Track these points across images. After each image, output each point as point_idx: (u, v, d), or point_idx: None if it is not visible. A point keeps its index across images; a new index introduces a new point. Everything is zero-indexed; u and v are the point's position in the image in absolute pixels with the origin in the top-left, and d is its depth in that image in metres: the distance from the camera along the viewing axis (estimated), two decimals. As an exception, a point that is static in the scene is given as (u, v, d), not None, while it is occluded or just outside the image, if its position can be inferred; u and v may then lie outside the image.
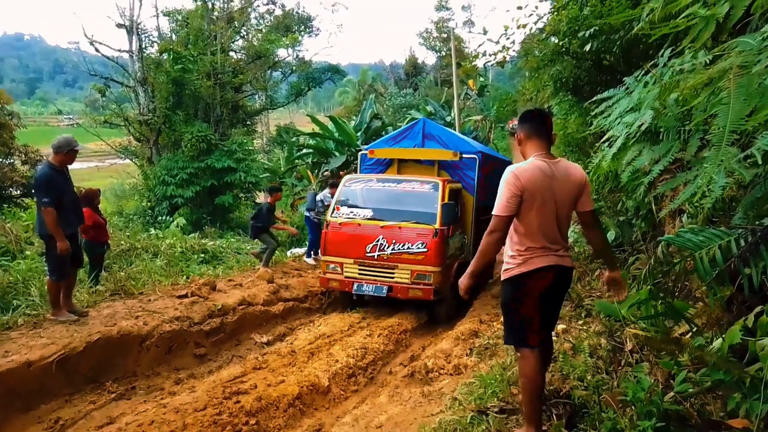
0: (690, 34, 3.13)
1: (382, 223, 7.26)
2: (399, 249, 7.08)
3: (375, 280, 7.20)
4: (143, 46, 17.29)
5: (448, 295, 7.30)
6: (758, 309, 2.58)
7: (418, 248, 7.02)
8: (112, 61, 18.11)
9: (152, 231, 12.34)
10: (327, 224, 7.60)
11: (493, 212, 2.92)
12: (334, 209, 7.70)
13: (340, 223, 7.49)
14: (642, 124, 3.55)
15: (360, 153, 9.25)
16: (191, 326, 5.79)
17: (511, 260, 2.96)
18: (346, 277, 7.40)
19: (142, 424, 3.96)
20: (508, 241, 3.04)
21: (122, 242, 9.21)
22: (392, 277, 7.15)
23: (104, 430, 4.10)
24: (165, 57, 16.99)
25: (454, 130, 18.91)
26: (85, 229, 6.72)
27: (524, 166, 2.90)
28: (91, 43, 17.07)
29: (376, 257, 7.19)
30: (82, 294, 6.17)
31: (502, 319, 5.21)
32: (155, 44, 18.69)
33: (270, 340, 6.36)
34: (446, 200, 7.22)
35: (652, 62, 4.06)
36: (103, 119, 17.60)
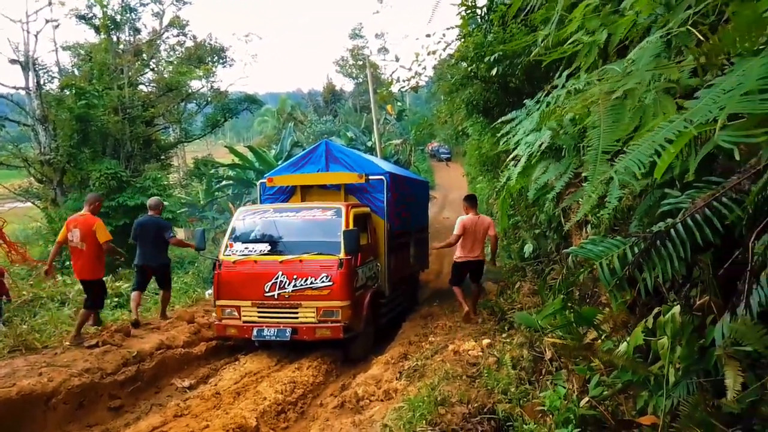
0: (578, 58, 3.38)
1: (281, 258, 6.63)
2: (301, 285, 6.45)
3: (277, 322, 6.51)
4: (41, 82, 16.25)
5: (363, 330, 6.84)
6: (656, 310, 2.76)
7: (323, 282, 6.41)
8: (6, 99, 16.89)
9: (59, 277, 11.46)
10: (219, 264, 6.85)
11: (453, 234, 7.17)
12: (226, 246, 7.02)
13: (233, 262, 6.78)
14: (542, 143, 3.76)
15: (259, 182, 8.68)
16: (104, 377, 5.39)
17: (457, 255, 7.25)
18: (244, 322, 6.64)
19: (47, 493, 3.61)
20: (457, 246, 7.21)
21: (24, 292, 8.50)
22: (296, 318, 6.50)
23: (4, 505, 3.70)
24: (67, 93, 16.07)
25: (376, 154, 19.20)
26: (-23, 281, 6.19)
27: (465, 218, 7.15)
28: (-19, 81, 15.91)
29: (276, 296, 6.50)
30: (-24, 353, 5.61)
31: (430, 338, 5.81)
32: (55, 80, 17.65)
33: (192, 384, 6.03)
34: (350, 226, 6.70)
35: (552, 84, 4.32)
36: (-1, 161, 16.30)
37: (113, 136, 16.95)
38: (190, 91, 21.28)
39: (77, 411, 5.02)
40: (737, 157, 1.40)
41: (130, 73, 18.20)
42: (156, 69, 20.98)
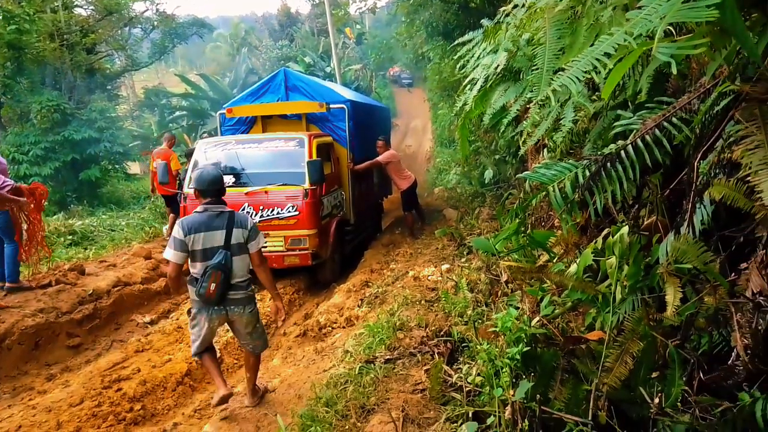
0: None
1: (246, 190, 6.64)
2: (268, 215, 6.56)
3: None
4: (-37, 5, 14.77)
5: (330, 256, 7.02)
6: (606, 231, 2.81)
7: (289, 212, 6.54)
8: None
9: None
10: (184, 197, 6.74)
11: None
12: (190, 179, 6.81)
13: None
14: (498, 65, 3.64)
15: (219, 113, 8.48)
16: (59, 317, 5.28)
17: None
18: None
19: (7, 432, 3.60)
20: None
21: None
22: (264, 247, 6.69)
23: (-37, 446, 3.68)
24: (-6, 17, 14.71)
25: (335, 81, 18.57)
26: None
27: (393, 151, 8.76)
28: None
29: None
30: None
31: (391, 265, 5.74)
32: (-21, 2, 16.07)
33: (153, 319, 5.99)
34: (313, 156, 6.73)
35: (512, 3, 4.13)
36: (-74, 95, 15.03)
37: (51, 65, 15.78)
38: (133, 14, 19.84)
39: (33, 351, 4.94)
40: (674, 71, 1.34)
41: (63, -5, 16.73)
42: (93, -11, 19.32)
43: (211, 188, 3.48)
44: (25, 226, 5.72)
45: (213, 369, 3.61)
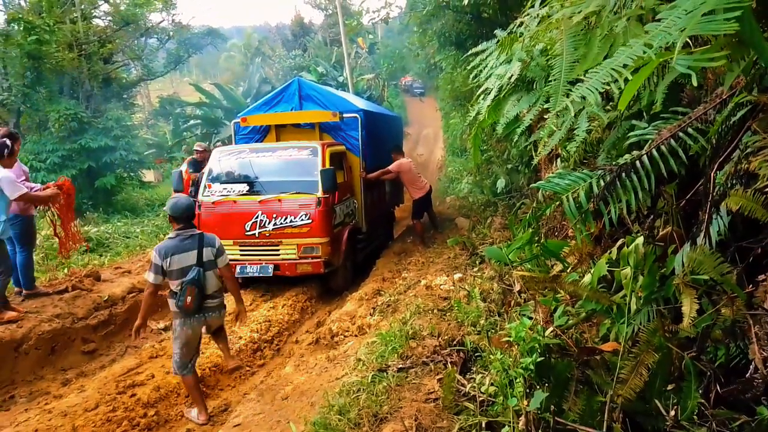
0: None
1: (259, 198, 6.74)
2: (281, 223, 6.64)
3: (259, 259, 6.68)
4: (-15, 15, 15.12)
5: (342, 264, 7.07)
6: (620, 242, 2.80)
7: (302, 220, 6.60)
8: (-51, 35, 15.70)
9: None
10: (199, 205, 6.85)
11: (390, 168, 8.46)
12: (205, 187, 7.06)
13: (213, 203, 6.83)
14: (512, 75, 3.65)
15: (233, 122, 8.61)
16: (75, 322, 5.35)
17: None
18: None
19: (24, 436, 3.64)
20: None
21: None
22: (277, 254, 6.68)
23: (-20, 449, 3.73)
24: (15, 28, 14.99)
25: (348, 90, 18.67)
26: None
27: (402, 161, 8.54)
28: None
29: (257, 235, 6.68)
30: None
31: (403, 274, 5.77)
32: (0, 13, 16.45)
33: (167, 326, 6.04)
34: (326, 165, 6.80)
35: (525, 13, 4.15)
36: (-52, 103, 15.35)
37: (69, 75, 16.05)
38: (149, 24, 20.16)
39: (50, 356, 5.01)
40: (695, 83, 1.34)
41: (82, 6, 17.04)
42: (111, 1, 19.68)
43: (184, 215, 3.93)
44: (58, 222, 5.89)
45: (195, 391, 4.00)
